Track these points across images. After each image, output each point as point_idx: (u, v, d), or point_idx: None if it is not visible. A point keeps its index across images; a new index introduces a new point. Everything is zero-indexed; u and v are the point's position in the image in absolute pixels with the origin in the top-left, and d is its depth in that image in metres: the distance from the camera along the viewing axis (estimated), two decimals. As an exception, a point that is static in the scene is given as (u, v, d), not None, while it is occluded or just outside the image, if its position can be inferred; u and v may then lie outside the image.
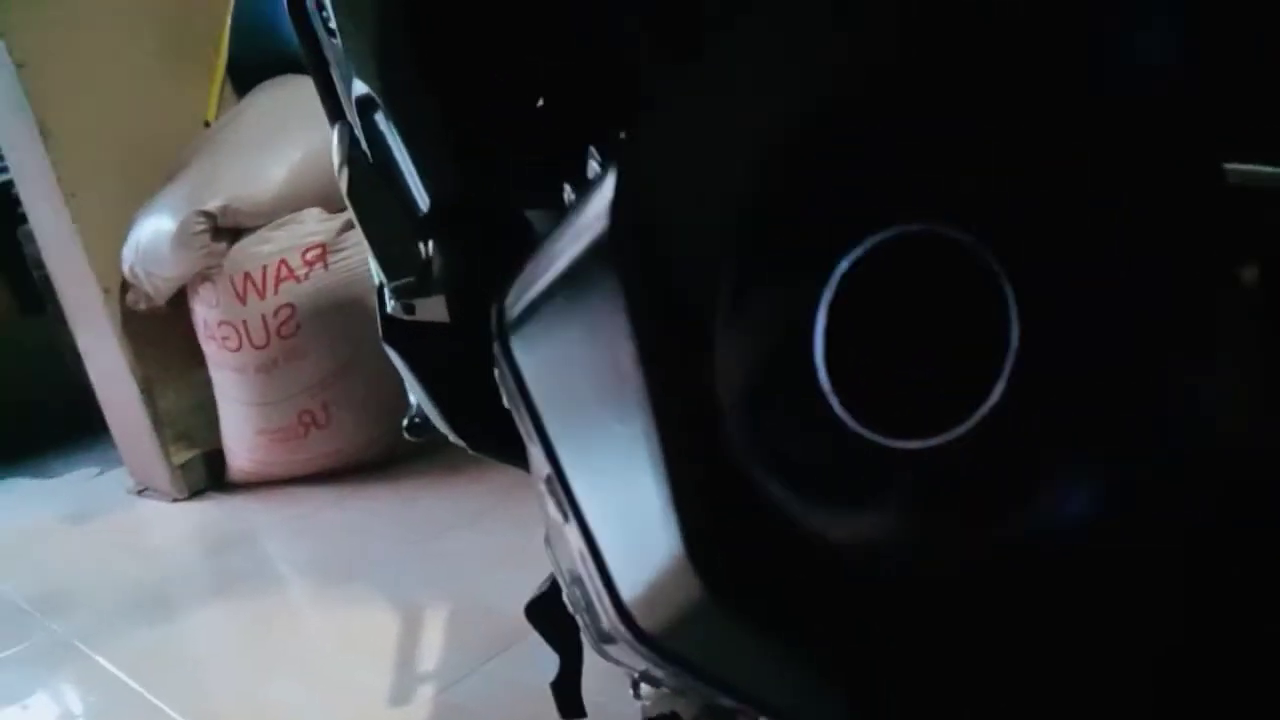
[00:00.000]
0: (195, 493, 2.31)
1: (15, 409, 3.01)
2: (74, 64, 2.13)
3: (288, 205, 2.03)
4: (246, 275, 2.03)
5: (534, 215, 0.67)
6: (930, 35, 0.39)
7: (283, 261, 2.02)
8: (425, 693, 1.26)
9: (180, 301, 2.17)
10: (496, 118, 0.63)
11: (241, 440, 2.18)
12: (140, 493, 2.43)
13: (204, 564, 1.99)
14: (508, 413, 0.52)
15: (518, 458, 0.59)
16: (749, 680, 0.43)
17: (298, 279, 2.02)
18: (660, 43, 0.53)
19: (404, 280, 0.69)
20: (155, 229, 2.06)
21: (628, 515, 0.43)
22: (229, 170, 2.04)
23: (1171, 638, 0.42)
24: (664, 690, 0.64)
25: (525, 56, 0.61)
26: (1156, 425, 0.40)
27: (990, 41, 0.39)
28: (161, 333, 2.23)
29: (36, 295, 2.81)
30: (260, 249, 2.03)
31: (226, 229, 2.04)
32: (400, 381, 0.81)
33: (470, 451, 0.76)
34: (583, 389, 0.44)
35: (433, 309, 0.69)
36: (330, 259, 2.03)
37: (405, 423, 0.90)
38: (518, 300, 0.47)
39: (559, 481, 0.47)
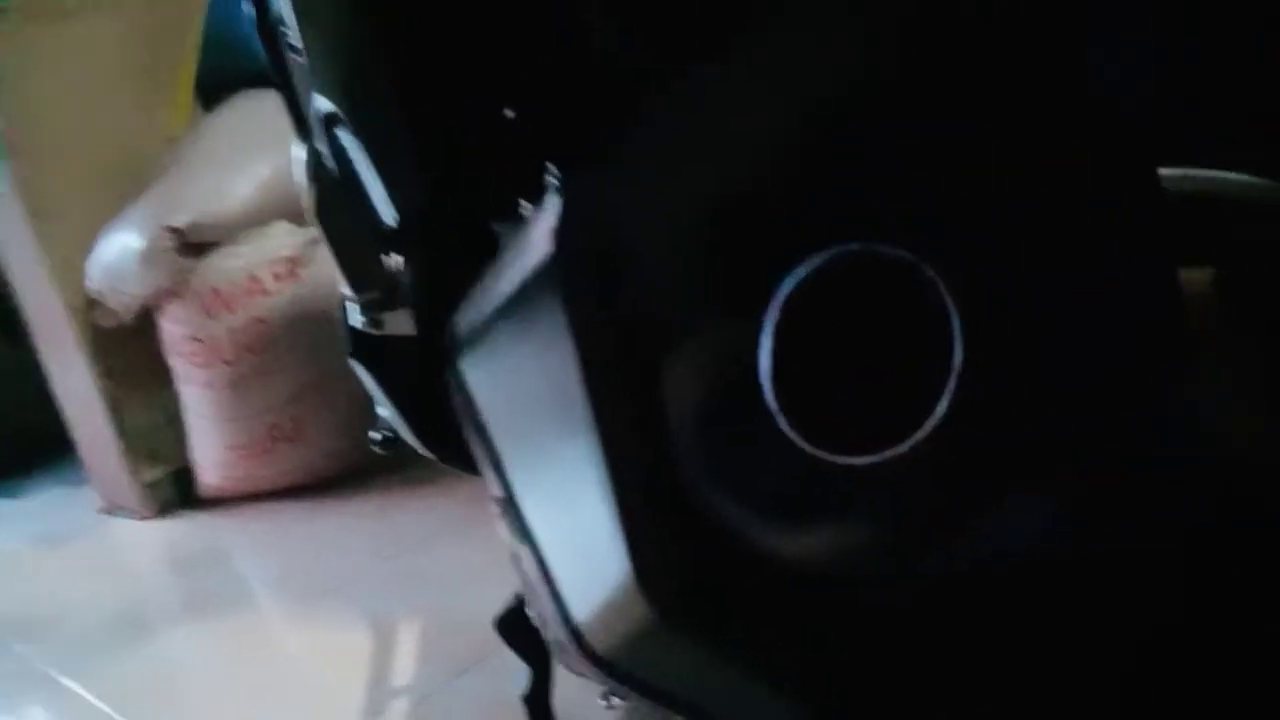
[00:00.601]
0: (165, 510, 2.27)
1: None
2: (41, 81, 2.11)
3: (256, 221, 2.02)
4: (215, 291, 2.01)
5: (502, 228, 0.67)
6: (872, 62, 0.39)
7: (251, 277, 2.01)
8: (399, 707, 1.26)
9: (147, 318, 2.15)
10: (463, 128, 0.63)
11: (211, 456, 2.16)
12: (109, 512, 2.40)
13: (175, 584, 1.97)
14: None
15: (485, 470, 0.59)
16: (704, 699, 0.43)
17: (267, 294, 2.01)
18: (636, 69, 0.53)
19: (371, 295, 0.69)
20: (122, 246, 2.04)
21: (577, 539, 0.43)
22: (196, 186, 2.02)
23: (1129, 650, 0.42)
24: (634, 700, 0.65)
25: (493, 66, 0.61)
26: (1108, 437, 0.40)
27: (929, 64, 0.39)
28: (129, 350, 2.20)
29: (15, 321, 2.48)
30: (229, 264, 2.01)
31: (194, 245, 2.02)
32: (370, 395, 0.81)
33: (440, 464, 0.76)
34: (531, 412, 0.44)
35: (400, 323, 0.69)
36: (299, 273, 2.01)
37: (377, 436, 0.90)
38: (466, 322, 0.47)
39: (510, 504, 0.47)
